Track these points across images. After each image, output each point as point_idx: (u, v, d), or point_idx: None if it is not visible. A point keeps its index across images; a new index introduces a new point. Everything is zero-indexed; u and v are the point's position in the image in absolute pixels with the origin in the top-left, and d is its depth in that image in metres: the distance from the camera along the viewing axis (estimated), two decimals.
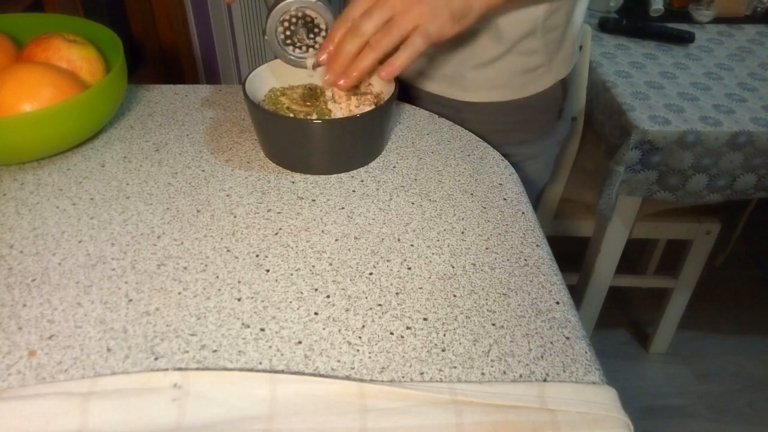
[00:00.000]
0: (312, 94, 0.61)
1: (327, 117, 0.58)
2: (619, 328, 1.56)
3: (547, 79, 0.72)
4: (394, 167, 0.59)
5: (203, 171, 0.58)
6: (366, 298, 0.46)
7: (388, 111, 0.58)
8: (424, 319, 0.44)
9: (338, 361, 0.41)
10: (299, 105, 0.59)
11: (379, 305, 0.45)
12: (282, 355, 0.41)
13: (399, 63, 0.51)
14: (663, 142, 0.98)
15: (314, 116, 0.57)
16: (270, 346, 0.42)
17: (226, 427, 0.37)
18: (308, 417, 0.37)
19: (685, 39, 1.23)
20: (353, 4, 0.52)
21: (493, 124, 0.72)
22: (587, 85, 1.14)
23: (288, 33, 0.59)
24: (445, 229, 0.52)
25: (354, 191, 0.56)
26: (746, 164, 1.00)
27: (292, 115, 0.58)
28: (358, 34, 0.51)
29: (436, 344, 0.42)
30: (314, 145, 0.56)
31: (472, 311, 0.45)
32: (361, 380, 0.39)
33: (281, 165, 0.59)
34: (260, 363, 0.40)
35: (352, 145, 0.57)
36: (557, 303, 0.46)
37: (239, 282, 0.46)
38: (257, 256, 0.49)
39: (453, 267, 0.48)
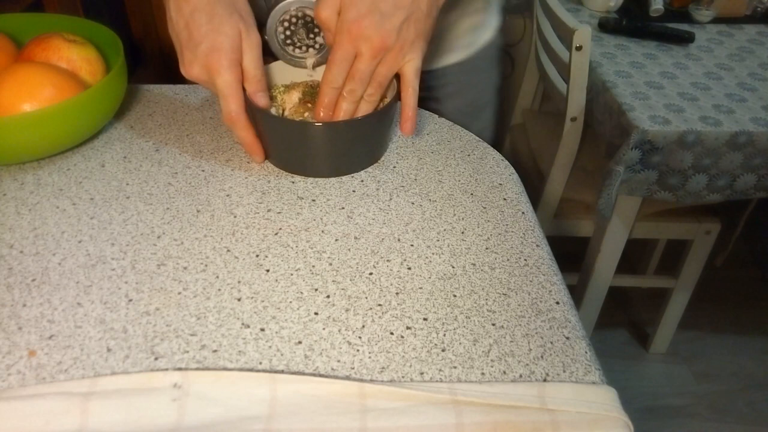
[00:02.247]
0: (313, 92, 0.61)
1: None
2: (619, 328, 1.56)
3: (489, 29, 0.77)
4: (394, 167, 0.59)
5: (203, 171, 0.58)
6: (366, 298, 0.46)
7: (390, 113, 0.58)
8: (424, 319, 0.44)
9: (338, 361, 0.41)
10: (297, 108, 0.59)
11: (379, 305, 0.45)
12: (282, 355, 0.41)
13: (412, 112, 0.54)
14: (663, 142, 0.98)
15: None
16: (270, 346, 0.42)
17: (226, 427, 0.37)
18: (308, 417, 0.37)
19: (685, 39, 1.23)
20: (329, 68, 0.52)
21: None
22: (587, 85, 1.14)
23: (288, 33, 0.59)
24: (445, 229, 0.52)
25: (354, 191, 0.56)
26: (746, 164, 1.00)
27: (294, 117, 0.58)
28: (352, 100, 0.54)
29: (436, 344, 0.42)
30: (315, 148, 0.56)
31: (472, 311, 0.45)
32: (361, 380, 0.39)
33: (282, 168, 0.58)
34: (260, 363, 0.40)
35: (353, 148, 0.57)
36: (557, 303, 0.46)
37: (239, 282, 0.46)
38: (257, 256, 0.49)
39: (453, 267, 0.48)
